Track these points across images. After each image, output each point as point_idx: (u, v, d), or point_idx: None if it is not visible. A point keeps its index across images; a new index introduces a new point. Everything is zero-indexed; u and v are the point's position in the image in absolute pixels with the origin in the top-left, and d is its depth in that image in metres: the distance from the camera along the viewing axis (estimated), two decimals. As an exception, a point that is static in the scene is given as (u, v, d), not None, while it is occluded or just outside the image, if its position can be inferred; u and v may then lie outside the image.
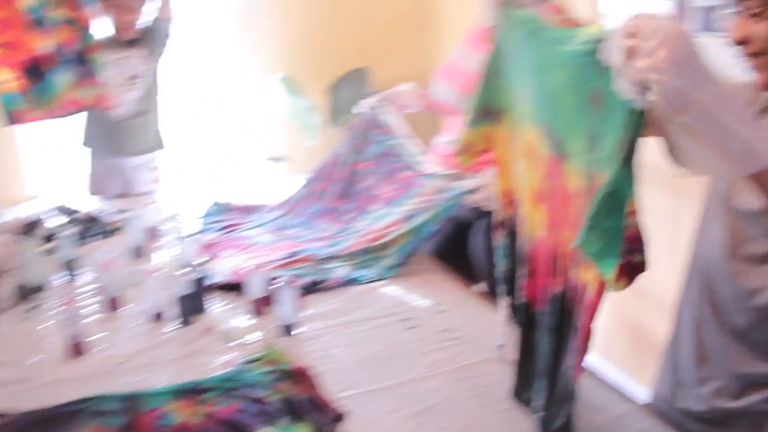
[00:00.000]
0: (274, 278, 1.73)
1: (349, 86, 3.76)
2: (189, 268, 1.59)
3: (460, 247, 2.17)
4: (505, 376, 1.34)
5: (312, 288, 1.77)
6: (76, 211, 2.33)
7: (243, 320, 1.59)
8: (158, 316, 1.63)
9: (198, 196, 2.58)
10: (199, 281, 1.63)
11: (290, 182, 2.56)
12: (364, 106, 2.27)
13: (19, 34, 2.23)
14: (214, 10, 3.66)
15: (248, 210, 2.41)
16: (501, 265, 1.35)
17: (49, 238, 2.00)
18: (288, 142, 3.88)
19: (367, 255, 1.97)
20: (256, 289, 1.64)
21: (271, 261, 1.91)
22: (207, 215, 2.34)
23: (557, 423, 1.12)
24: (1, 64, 2.24)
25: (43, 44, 2.28)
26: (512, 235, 1.32)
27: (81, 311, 1.43)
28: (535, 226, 1.22)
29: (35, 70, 2.29)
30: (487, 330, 1.57)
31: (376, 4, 3.97)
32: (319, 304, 1.73)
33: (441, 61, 2.37)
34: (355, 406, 1.30)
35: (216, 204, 2.44)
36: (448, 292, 1.82)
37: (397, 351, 1.52)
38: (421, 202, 2.01)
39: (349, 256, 1.96)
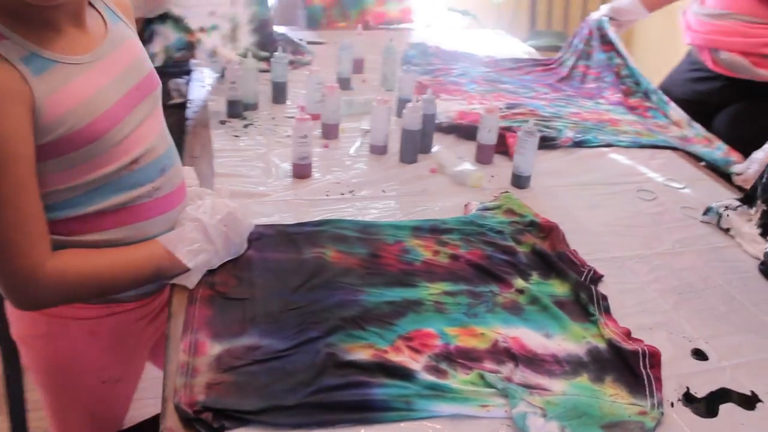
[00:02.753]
0: (504, 129, 1.61)
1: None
2: (415, 103, 1.48)
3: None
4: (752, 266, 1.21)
5: (542, 143, 1.63)
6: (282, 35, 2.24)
7: (471, 165, 1.48)
8: (383, 149, 1.54)
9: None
10: (428, 118, 1.52)
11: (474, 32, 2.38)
12: (595, 15, 2.16)
13: None
14: None
15: (452, 56, 2.26)
16: None
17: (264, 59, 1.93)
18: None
19: (594, 125, 1.80)
20: (488, 133, 1.52)
21: (492, 109, 1.77)
22: (408, 56, 2.21)
23: None
24: None
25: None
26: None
27: (305, 126, 1.36)
28: None
29: None
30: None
31: None
32: (548, 161, 1.59)
33: None
34: (607, 271, 1.18)
35: (415, 45, 2.30)
36: (683, 168, 1.64)
37: (641, 221, 1.37)
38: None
39: (574, 122, 1.79)
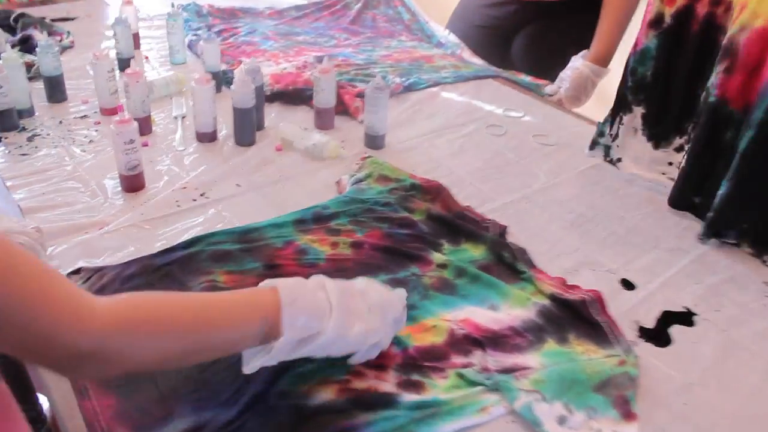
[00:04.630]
0: (342, 84, 1.47)
1: None
2: (242, 76, 1.28)
3: (498, 53, 1.96)
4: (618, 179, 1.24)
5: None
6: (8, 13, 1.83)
7: (321, 135, 1.33)
8: (212, 135, 1.33)
9: None
10: (258, 90, 1.33)
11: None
12: None
13: None
14: None
15: (231, 14, 2.04)
16: (639, 71, 1.21)
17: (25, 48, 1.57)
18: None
19: (411, 65, 1.73)
20: (326, 96, 1.37)
21: (304, 65, 1.62)
22: (186, 22, 1.94)
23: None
24: None
25: None
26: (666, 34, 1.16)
27: (129, 129, 1.10)
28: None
29: None
30: (578, 132, 1.45)
31: None
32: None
33: None
34: (504, 220, 1.13)
35: (186, 7, 2.03)
36: (512, 96, 1.64)
37: (507, 159, 1.34)
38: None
39: (391, 65, 1.71)
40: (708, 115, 1.11)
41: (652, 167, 1.27)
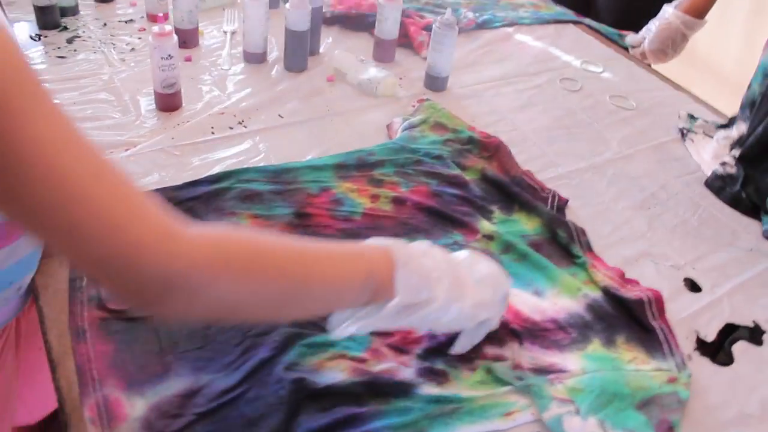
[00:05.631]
0: (409, 13, 1.35)
1: None
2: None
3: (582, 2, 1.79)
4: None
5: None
6: None
7: (378, 70, 1.21)
8: (261, 56, 1.23)
9: None
10: (315, 12, 1.21)
11: None
12: None
13: None
14: None
15: None
16: (753, 87, 1.06)
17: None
18: None
19: (487, 1, 1.58)
20: (389, 26, 1.25)
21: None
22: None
23: None
24: None
25: None
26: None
27: (168, 43, 1.01)
28: None
29: None
30: (659, 98, 1.30)
31: None
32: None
33: None
34: (567, 191, 1.02)
35: None
36: (593, 47, 1.49)
37: (578, 120, 1.21)
38: None
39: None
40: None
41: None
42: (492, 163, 1.04)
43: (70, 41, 1.25)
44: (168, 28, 1.02)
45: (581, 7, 1.73)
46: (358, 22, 1.37)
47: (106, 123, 1.03)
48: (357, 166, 1.00)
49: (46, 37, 1.25)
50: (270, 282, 0.54)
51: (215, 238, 0.51)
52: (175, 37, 1.03)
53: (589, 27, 1.57)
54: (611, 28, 1.60)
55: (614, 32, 1.58)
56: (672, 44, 1.51)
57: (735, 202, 1.05)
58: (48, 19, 1.27)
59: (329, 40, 1.34)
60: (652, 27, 1.52)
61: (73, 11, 1.33)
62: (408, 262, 0.61)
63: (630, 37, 1.55)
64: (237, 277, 0.51)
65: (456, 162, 1.03)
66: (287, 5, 1.16)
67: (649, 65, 1.50)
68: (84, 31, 1.28)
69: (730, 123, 1.19)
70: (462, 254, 0.70)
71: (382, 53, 1.28)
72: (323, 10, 1.31)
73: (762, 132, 1.04)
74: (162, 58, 1.02)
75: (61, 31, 1.28)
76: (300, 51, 1.20)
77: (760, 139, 1.05)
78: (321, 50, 1.30)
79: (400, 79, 1.24)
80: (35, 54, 1.20)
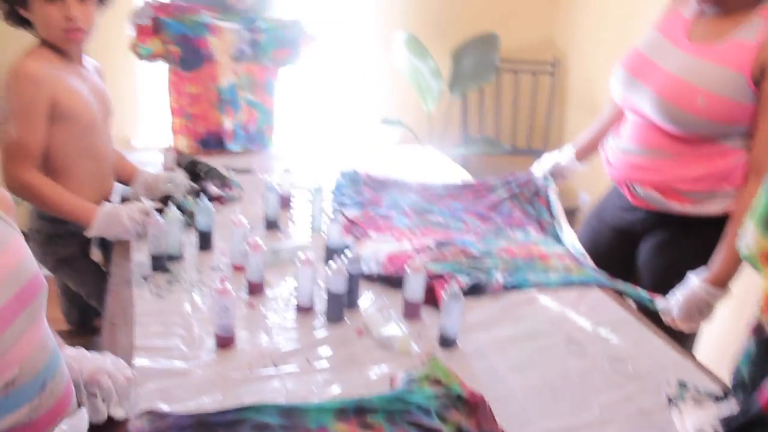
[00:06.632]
0: (433, 277, 1.61)
1: (475, 52, 3.55)
2: (341, 256, 1.46)
3: (624, 256, 1.99)
4: None
5: (472, 291, 1.64)
6: (197, 163, 2.22)
7: (397, 327, 1.46)
8: (309, 308, 1.52)
9: (313, 158, 2.52)
10: (352, 272, 1.51)
11: (404, 149, 2.44)
12: (537, 171, 2.22)
13: (206, 108, 2.55)
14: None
15: (382, 185, 2.28)
16: (742, 371, 1.21)
17: (180, 207, 1.90)
18: (405, 106, 3.72)
19: (525, 262, 1.82)
20: (414, 291, 1.51)
21: (423, 248, 1.78)
22: (338, 187, 2.22)
23: None
24: (185, 132, 2.57)
25: (226, 120, 2.57)
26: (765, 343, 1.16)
27: (227, 299, 1.32)
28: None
29: (214, 142, 2.59)
30: (660, 364, 1.44)
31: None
32: (476, 309, 1.59)
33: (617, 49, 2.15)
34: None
35: (345, 174, 2.31)
36: (610, 310, 1.66)
37: (569, 382, 1.37)
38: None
39: (504, 260, 1.81)
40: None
41: None
42: (470, 419, 1.22)
43: (169, 282, 1.61)
44: (227, 287, 1.33)
45: (620, 264, 1.91)
46: (395, 282, 1.64)
47: (173, 353, 1.35)
48: (354, 411, 1.21)
49: (154, 277, 1.62)
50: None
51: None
52: (232, 295, 1.34)
53: (616, 291, 1.75)
54: (643, 292, 1.77)
55: (645, 297, 1.75)
56: (699, 312, 1.67)
57: None
58: (157, 264, 1.65)
59: (369, 291, 1.62)
60: (679, 296, 1.68)
61: (178, 258, 1.70)
62: None
63: (659, 303, 1.71)
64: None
65: (439, 415, 1.21)
66: (329, 270, 1.46)
67: (665, 327, 1.64)
68: (182, 275, 1.65)
69: (725, 396, 1.30)
70: None
71: (409, 312, 1.53)
72: (366, 265, 1.60)
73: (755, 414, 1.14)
74: (220, 308, 1.33)
75: (165, 273, 1.65)
76: (337, 307, 1.48)
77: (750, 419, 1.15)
78: (360, 302, 1.57)
79: (419, 335, 1.47)
80: (143, 292, 1.56)
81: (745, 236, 1.21)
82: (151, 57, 2.43)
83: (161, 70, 2.53)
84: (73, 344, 1.18)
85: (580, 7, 3.75)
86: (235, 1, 2.46)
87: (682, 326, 1.69)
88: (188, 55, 2.44)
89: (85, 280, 1.97)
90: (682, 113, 1.73)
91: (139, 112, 3.48)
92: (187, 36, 2.42)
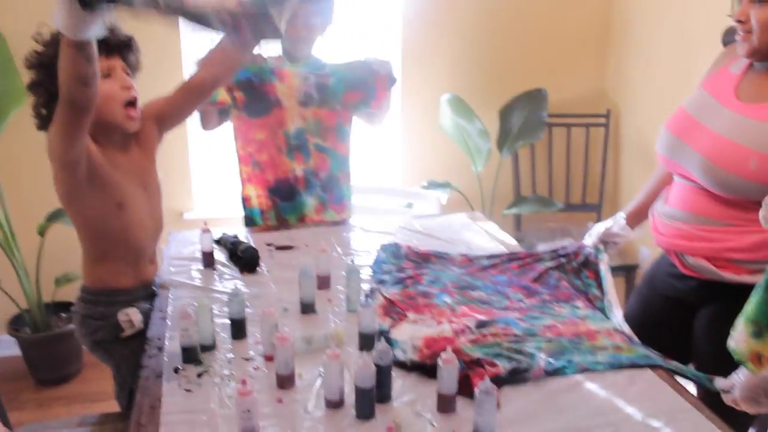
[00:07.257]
0: (470, 363, 1.53)
1: (523, 109, 3.50)
2: (366, 357, 1.40)
3: (678, 327, 1.87)
4: None
5: (511, 378, 1.55)
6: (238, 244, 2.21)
7: (427, 421, 1.38)
8: (338, 402, 1.46)
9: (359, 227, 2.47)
10: (381, 365, 1.44)
11: (449, 219, 2.37)
12: (588, 241, 2.12)
13: (275, 155, 2.50)
14: (384, 24, 3.53)
15: (424, 258, 2.22)
16: None
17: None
18: (453, 168, 3.69)
19: (570, 342, 1.72)
20: (447, 382, 1.44)
21: (462, 330, 1.70)
22: (378, 262, 2.17)
23: None
24: (254, 182, 2.54)
25: (296, 167, 2.52)
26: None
27: (249, 402, 1.28)
28: None
29: (285, 190, 2.53)
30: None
31: (553, 21, 3.69)
32: (516, 400, 1.50)
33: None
34: None
35: (386, 247, 2.27)
36: (664, 396, 1.54)
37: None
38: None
39: (548, 340, 1.71)
40: None
41: None
42: None
43: (199, 375, 1.58)
44: (248, 389, 1.29)
45: (676, 335, 1.79)
46: (430, 371, 1.57)
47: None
48: None
49: (183, 369, 1.60)
50: None
51: None
52: (254, 396, 1.29)
53: (670, 371, 1.63)
54: (701, 372, 1.64)
55: (703, 376, 1.63)
56: (765, 393, 1.53)
57: None
58: (189, 356, 1.63)
59: (403, 383, 1.55)
60: (742, 375, 1.56)
61: (211, 348, 1.68)
62: None
63: (719, 382, 1.59)
64: None
65: None
66: (355, 367, 1.41)
67: (727, 413, 1.51)
68: (214, 366, 1.61)
69: None
70: None
71: (443, 405, 1.45)
72: (399, 357, 1.54)
73: None
74: (243, 411, 1.29)
75: (196, 365, 1.62)
76: (367, 402, 1.41)
77: None
78: (394, 396, 1.50)
79: (452, 430, 1.39)
80: (172, 386, 1.54)
81: (736, 331, 1.12)
82: (216, 105, 2.41)
83: (214, 136, 2.51)
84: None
85: (631, 56, 3.67)
86: (294, 50, 2.45)
87: (746, 407, 1.55)
88: (254, 101, 2.42)
89: (119, 365, 1.96)
90: (733, 177, 1.64)
91: (193, 183, 3.54)
92: (252, 82, 2.41)
